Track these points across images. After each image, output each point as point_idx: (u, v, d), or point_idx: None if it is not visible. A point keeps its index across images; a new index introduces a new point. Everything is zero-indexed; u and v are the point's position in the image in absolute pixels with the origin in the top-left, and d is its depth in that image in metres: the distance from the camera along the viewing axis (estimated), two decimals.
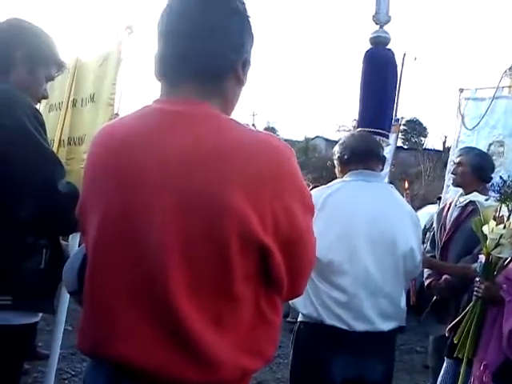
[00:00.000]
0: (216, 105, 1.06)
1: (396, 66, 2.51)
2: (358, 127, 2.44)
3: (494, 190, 2.33)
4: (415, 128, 28.97)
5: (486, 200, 2.40)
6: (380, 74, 2.43)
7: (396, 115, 6.05)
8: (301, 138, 26.40)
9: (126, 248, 1.00)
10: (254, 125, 9.61)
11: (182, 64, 1.06)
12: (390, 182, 5.80)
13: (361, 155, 2.07)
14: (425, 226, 3.88)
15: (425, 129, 29.28)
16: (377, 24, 2.56)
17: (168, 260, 0.95)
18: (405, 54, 6.35)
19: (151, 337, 0.97)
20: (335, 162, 2.18)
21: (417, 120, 29.41)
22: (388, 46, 2.56)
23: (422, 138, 28.89)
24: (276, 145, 1.02)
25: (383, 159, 2.15)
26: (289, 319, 5.35)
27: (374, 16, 2.56)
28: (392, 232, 1.94)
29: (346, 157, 2.10)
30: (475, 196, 2.51)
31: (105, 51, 2.53)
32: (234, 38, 1.08)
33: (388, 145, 2.63)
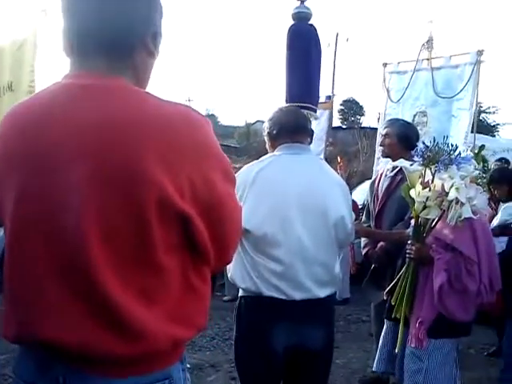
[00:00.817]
0: (128, 78, 1.05)
1: (319, 41, 2.55)
2: (286, 102, 2.46)
3: (417, 155, 2.43)
4: (352, 107, 29.60)
5: (411, 165, 2.49)
6: (304, 49, 2.46)
7: (333, 93, 6.18)
8: (242, 124, 26.43)
9: (44, 227, 0.97)
10: None
11: (89, 38, 1.04)
12: (327, 160, 5.94)
13: (289, 129, 2.10)
14: (364, 200, 4.00)
15: (361, 107, 29.99)
16: (298, 0, 2.59)
17: (88, 235, 0.94)
18: (337, 35, 6.49)
19: (77, 314, 0.96)
20: (265, 137, 2.20)
21: (353, 99, 30.07)
22: (310, 22, 2.60)
23: (360, 117, 29.60)
24: (191, 115, 1.03)
25: (311, 132, 2.20)
26: (225, 298, 5.43)
27: None
28: (323, 202, 1.99)
29: (274, 132, 2.13)
30: (401, 162, 2.60)
31: (21, 35, 2.44)
32: (140, 10, 1.06)
33: (316, 118, 2.68)
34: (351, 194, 7.67)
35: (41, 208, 0.98)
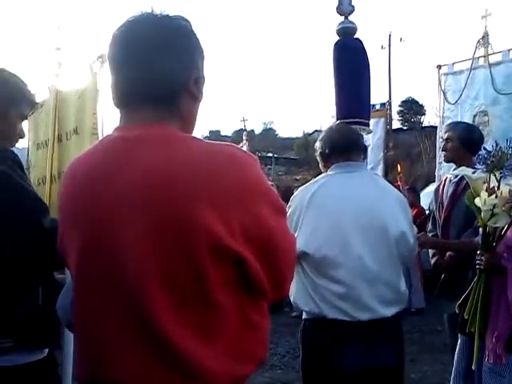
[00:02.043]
0: (175, 124, 1.09)
1: (366, 54, 2.52)
2: (336, 119, 2.45)
3: (479, 162, 2.33)
4: (411, 107, 28.87)
5: (474, 172, 2.40)
6: (351, 65, 2.44)
7: (390, 99, 6.10)
8: (300, 135, 26.44)
9: (106, 279, 1.02)
10: (245, 129, 9.63)
11: (135, 89, 1.08)
12: (388, 166, 5.83)
13: (340, 148, 2.09)
14: (429, 205, 3.88)
15: (421, 107, 29.16)
16: (341, 15, 2.58)
17: (147, 284, 0.98)
18: (390, 35, 6.40)
19: (143, 360, 0.99)
20: (318, 158, 2.20)
21: (412, 99, 29.32)
22: (356, 35, 2.58)
23: (421, 116, 28.76)
24: (236, 155, 1.05)
25: (364, 148, 2.17)
26: (293, 314, 5.38)
27: (337, 7, 2.59)
28: (381, 219, 1.96)
29: (326, 151, 2.12)
30: (462, 170, 2.51)
31: (82, 84, 2.60)
32: (181, 57, 1.09)
33: (369, 132, 2.64)
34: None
35: (103, 264, 1.03)
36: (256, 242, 1.02)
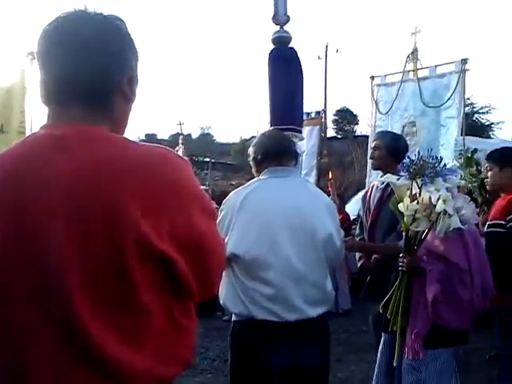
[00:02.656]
0: (105, 124, 1.08)
1: (300, 63, 2.60)
2: (270, 126, 2.51)
3: (403, 170, 2.47)
4: (346, 117, 29.78)
5: (398, 179, 2.53)
6: (285, 73, 2.52)
7: (325, 108, 6.32)
8: (237, 140, 26.56)
9: (25, 275, 0.99)
10: (182, 134, 9.56)
11: (65, 87, 1.06)
12: (322, 172, 6.00)
13: (273, 153, 2.15)
14: (358, 211, 4.04)
15: (355, 116, 30.15)
16: (276, 24, 2.66)
17: (70, 281, 0.96)
18: (327, 46, 6.62)
19: (65, 362, 0.97)
20: (251, 162, 2.25)
21: (347, 109, 30.25)
22: (291, 45, 2.66)
23: (354, 126, 29.73)
24: (168, 157, 1.06)
25: (295, 154, 2.24)
26: (225, 318, 5.41)
27: (273, 17, 2.66)
28: (310, 222, 2.03)
29: (259, 157, 2.17)
30: (388, 177, 2.64)
31: (9, 80, 2.51)
32: (114, 56, 1.09)
33: (302, 139, 2.72)
34: (347, 204, 7.71)
35: (22, 260, 0.99)
36: (185, 243, 1.03)
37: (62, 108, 1.07)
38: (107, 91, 1.09)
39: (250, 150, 2.24)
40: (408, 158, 2.55)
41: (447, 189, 2.44)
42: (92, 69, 1.06)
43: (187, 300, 1.10)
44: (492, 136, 22.70)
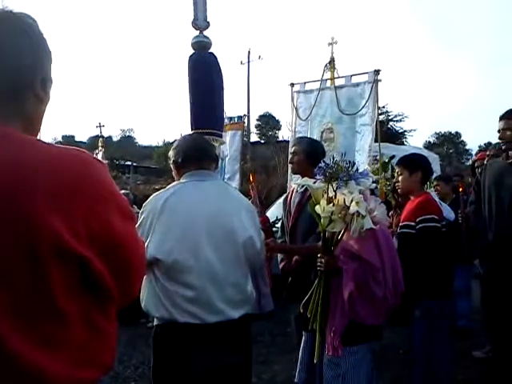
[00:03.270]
0: (17, 125, 1.06)
1: (219, 69, 2.63)
2: (190, 129, 2.52)
3: (319, 173, 2.57)
4: (268, 122, 30.33)
5: (315, 183, 2.63)
6: (204, 78, 2.53)
7: (248, 112, 6.42)
8: (160, 143, 26.18)
9: None
10: (102, 136, 9.28)
11: None
12: (243, 177, 6.07)
13: (193, 157, 2.16)
14: (281, 214, 4.14)
15: (277, 122, 30.80)
16: (196, 29, 2.67)
17: None
18: (249, 52, 6.71)
19: None
20: (171, 166, 2.24)
21: (269, 114, 30.82)
22: (211, 50, 2.68)
23: (277, 131, 30.35)
24: (83, 158, 1.05)
25: (215, 158, 2.26)
26: (149, 325, 5.32)
27: (192, 22, 2.67)
28: (230, 224, 2.05)
29: (179, 160, 2.17)
30: (305, 180, 2.74)
31: None
32: (26, 57, 1.07)
33: (223, 143, 2.76)
34: (270, 208, 7.84)
35: None
36: (102, 245, 1.03)
37: None
38: (18, 90, 1.07)
39: (171, 154, 2.23)
40: (323, 162, 2.66)
41: (360, 191, 2.57)
42: (3, 69, 1.04)
43: (107, 303, 1.10)
44: (405, 143, 24.09)
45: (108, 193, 1.07)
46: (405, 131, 27.15)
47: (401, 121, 26.80)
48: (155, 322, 2.07)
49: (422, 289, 3.00)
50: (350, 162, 2.57)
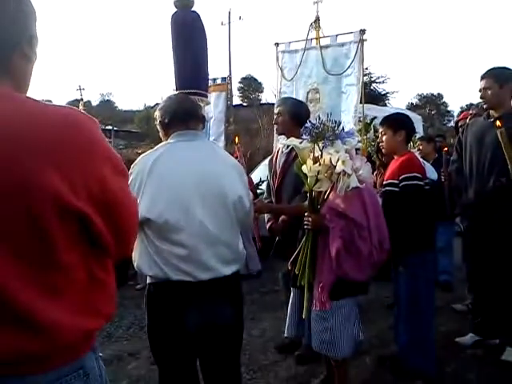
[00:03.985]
0: (6, 84, 1.06)
1: (203, 27, 2.58)
2: (175, 90, 2.49)
3: (305, 133, 2.59)
4: (251, 84, 29.98)
5: (301, 143, 2.65)
6: (188, 37, 2.48)
7: (230, 73, 6.32)
8: (140, 108, 25.78)
9: None
10: (82, 99, 9.08)
11: None
12: (229, 140, 6.05)
13: (180, 117, 2.15)
14: (266, 176, 4.16)
15: (260, 84, 30.45)
16: None
17: None
18: (230, 12, 6.58)
19: None
20: (158, 127, 2.23)
21: (251, 77, 30.43)
22: (193, 9, 2.62)
23: (259, 94, 30.04)
24: (76, 116, 1.06)
25: (202, 118, 2.25)
26: (138, 287, 5.41)
27: None
28: (220, 184, 2.07)
29: (166, 120, 2.16)
30: (291, 141, 2.75)
31: None
32: (10, 15, 1.06)
33: (208, 103, 2.73)
34: (254, 171, 7.86)
35: None
36: (99, 201, 1.06)
37: None
38: (4, 50, 1.06)
39: (157, 114, 2.22)
40: (310, 122, 2.67)
41: (346, 151, 2.60)
42: None
43: (105, 257, 1.15)
44: (388, 104, 24.10)
45: (103, 150, 1.09)
46: (387, 93, 27.13)
47: (383, 82, 26.74)
48: (148, 281, 2.11)
49: (405, 244, 3.08)
50: (336, 121, 2.59)
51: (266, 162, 8.23)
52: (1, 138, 0.96)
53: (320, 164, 2.58)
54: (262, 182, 5.96)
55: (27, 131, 0.98)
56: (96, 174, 1.05)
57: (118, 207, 1.12)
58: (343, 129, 2.61)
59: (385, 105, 21.95)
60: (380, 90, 26.60)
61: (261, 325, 4.37)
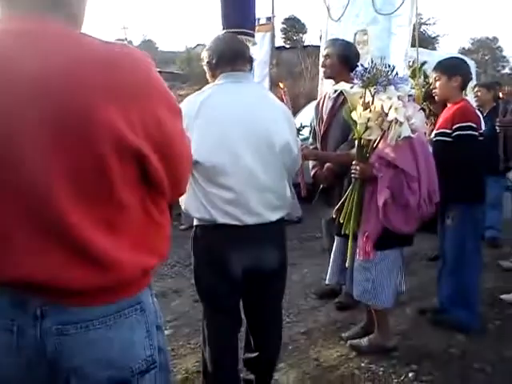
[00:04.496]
0: (61, 18, 1.03)
1: None
2: (222, 29, 2.40)
3: (356, 77, 2.46)
4: (294, 25, 28.95)
5: (351, 88, 2.53)
6: None
7: (273, 14, 6.04)
8: (182, 49, 25.45)
9: (4, 175, 0.98)
10: (126, 39, 9.01)
11: None
12: (273, 82, 5.89)
13: (228, 57, 2.07)
14: (310, 122, 4.05)
15: (303, 25, 29.35)
16: None
17: (49, 175, 0.96)
18: None
19: (47, 251, 1.00)
20: (205, 67, 2.17)
21: (295, 17, 29.32)
22: None
23: (302, 35, 29.04)
24: (133, 53, 1.04)
25: (250, 59, 2.17)
26: (182, 227, 5.51)
27: None
28: (267, 128, 2.01)
29: (214, 61, 2.09)
30: (341, 85, 2.62)
31: None
32: None
33: (254, 44, 2.63)
34: (297, 115, 7.69)
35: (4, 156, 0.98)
36: (156, 142, 1.05)
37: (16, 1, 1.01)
38: None
39: (204, 55, 2.15)
40: (361, 65, 2.53)
41: (398, 97, 2.47)
42: None
43: (160, 197, 1.15)
44: (437, 48, 22.90)
45: (159, 88, 1.07)
46: (437, 36, 25.72)
47: (433, 24, 25.29)
48: (195, 223, 2.11)
49: (454, 196, 2.97)
50: (389, 65, 2.44)
51: (309, 106, 8.05)
52: (59, 73, 0.95)
53: (371, 111, 2.47)
54: (303, 127, 5.81)
55: (83, 68, 0.96)
56: (153, 112, 1.03)
57: (173, 148, 1.11)
58: (397, 74, 2.47)
59: (434, 48, 20.88)
60: (430, 33, 25.23)
61: (301, 270, 4.41)
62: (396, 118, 2.40)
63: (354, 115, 2.52)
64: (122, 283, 1.07)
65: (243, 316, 2.29)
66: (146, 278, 1.16)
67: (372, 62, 2.50)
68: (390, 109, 2.41)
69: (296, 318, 3.45)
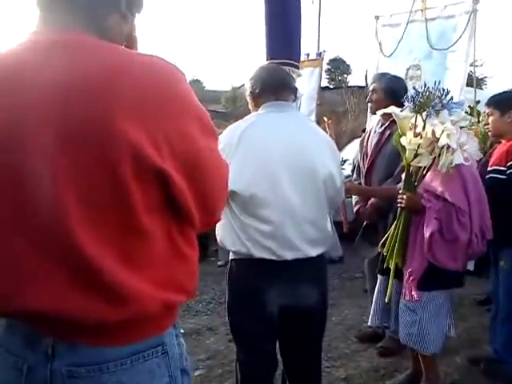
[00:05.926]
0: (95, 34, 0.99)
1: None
2: (266, 60, 2.39)
3: (408, 101, 2.35)
4: (339, 66, 29.24)
5: (401, 111, 2.42)
6: (282, 5, 2.38)
7: (321, 50, 6.02)
8: (228, 88, 26.04)
9: (14, 197, 0.92)
10: None
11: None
12: (317, 121, 5.86)
13: (272, 86, 2.04)
14: (353, 159, 3.97)
15: (348, 66, 29.62)
16: None
17: (64, 200, 0.89)
18: None
19: (62, 283, 0.92)
20: (248, 97, 2.14)
21: (340, 58, 29.66)
22: None
23: (347, 76, 29.26)
24: (166, 67, 0.97)
25: (294, 89, 2.12)
26: (219, 263, 5.42)
27: None
28: (310, 159, 1.94)
29: (257, 90, 2.06)
30: (391, 109, 2.51)
31: None
32: None
33: (299, 75, 2.59)
34: (340, 153, 7.60)
35: (10, 176, 0.92)
36: (182, 159, 0.95)
37: (55, 15, 0.99)
38: (102, 5, 1.02)
39: (247, 84, 2.12)
40: (414, 89, 2.42)
41: (452, 122, 2.34)
42: None
43: (188, 227, 1.04)
44: (484, 89, 22.50)
45: (190, 104, 0.99)
46: (485, 77, 25.34)
47: (481, 66, 24.96)
48: (231, 257, 2.04)
49: (508, 236, 2.78)
50: (443, 89, 2.33)
51: (352, 143, 7.98)
52: (79, 84, 0.89)
53: (421, 137, 2.35)
54: (345, 161, 5.70)
55: (108, 74, 0.90)
56: (182, 129, 0.95)
57: (204, 169, 1.00)
58: (452, 98, 2.34)
59: (481, 89, 20.52)
60: (477, 74, 24.89)
61: (341, 312, 4.22)
62: (448, 144, 2.28)
63: (404, 140, 2.41)
64: (140, 319, 0.97)
65: (279, 358, 2.17)
66: (169, 317, 1.05)
67: (425, 85, 2.39)
68: (441, 134, 2.29)
69: (336, 363, 3.25)
